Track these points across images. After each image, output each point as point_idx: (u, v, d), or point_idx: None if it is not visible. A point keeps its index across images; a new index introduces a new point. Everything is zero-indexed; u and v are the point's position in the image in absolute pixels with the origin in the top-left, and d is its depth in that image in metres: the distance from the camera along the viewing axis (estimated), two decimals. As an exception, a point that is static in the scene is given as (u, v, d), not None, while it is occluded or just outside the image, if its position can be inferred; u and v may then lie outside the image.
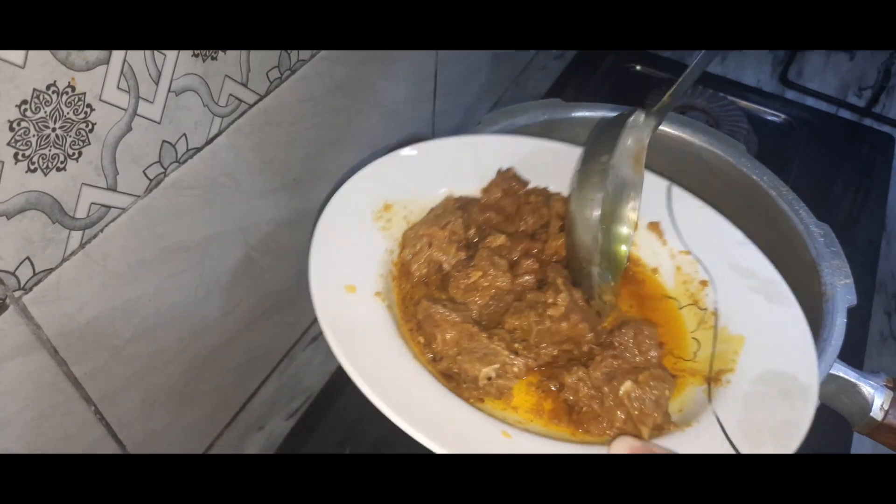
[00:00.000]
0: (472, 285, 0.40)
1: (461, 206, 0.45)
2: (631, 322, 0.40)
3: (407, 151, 0.46)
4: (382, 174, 0.45)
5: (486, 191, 0.46)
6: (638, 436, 0.35)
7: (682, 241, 0.47)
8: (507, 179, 0.46)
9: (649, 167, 0.48)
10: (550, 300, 0.38)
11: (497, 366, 0.36)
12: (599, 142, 0.45)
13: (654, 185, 0.48)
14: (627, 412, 0.36)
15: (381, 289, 0.40)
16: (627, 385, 0.36)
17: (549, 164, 0.48)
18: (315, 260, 0.39)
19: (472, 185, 0.47)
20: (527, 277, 0.41)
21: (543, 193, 0.47)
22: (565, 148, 0.49)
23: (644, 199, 0.46)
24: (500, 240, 0.42)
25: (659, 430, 0.36)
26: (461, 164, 0.47)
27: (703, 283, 0.45)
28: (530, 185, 0.48)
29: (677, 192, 0.48)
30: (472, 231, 0.44)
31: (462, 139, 0.49)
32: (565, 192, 0.48)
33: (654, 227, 0.47)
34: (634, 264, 0.47)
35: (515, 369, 0.36)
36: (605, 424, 0.36)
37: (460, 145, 0.48)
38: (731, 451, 0.34)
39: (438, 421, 0.33)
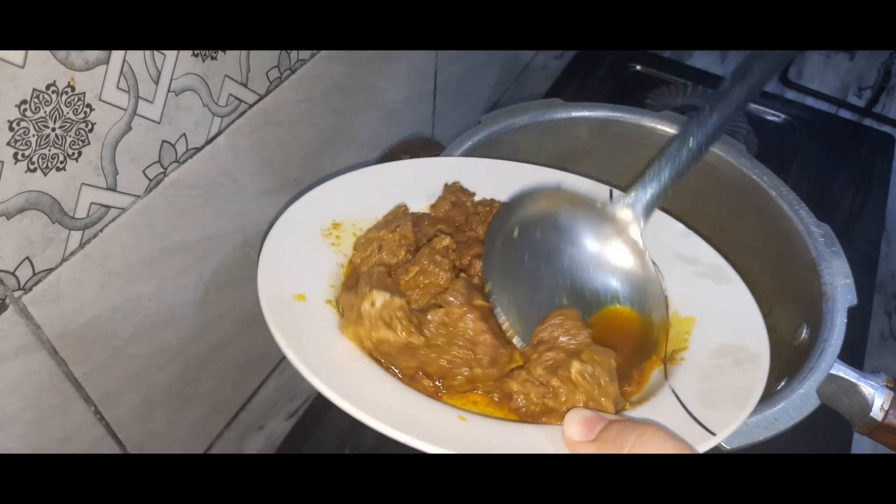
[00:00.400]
0: (411, 282, 0.39)
1: (412, 217, 0.45)
2: (553, 314, 0.40)
3: (355, 173, 0.46)
4: (329, 196, 0.45)
5: (434, 206, 0.46)
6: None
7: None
8: (455, 192, 0.46)
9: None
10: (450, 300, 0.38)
11: (387, 296, 0.36)
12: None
13: (593, 187, 0.48)
14: (587, 391, 0.36)
15: (333, 297, 0.39)
16: (577, 366, 0.36)
17: (499, 182, 0.48)
18: (263, 273, 0.38)
19: (422, 204, 0.47)
20: (476, 279, 0.41)
21: (490, 203, 0.47)
22: (515, 167, 0.50)
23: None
24: (445, 241, 0.42)
25: (617, 402, 0.37)
26: (411, 185, 0.47)
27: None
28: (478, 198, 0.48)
29: (617, 193, 0.48)
30: (424, 242, 0.44)
31: (412, 162, 0.49)
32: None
33: None
34: None
35: (399, 313, 0.36)
36: (565, 411, 0.36)
37: (410, 168, 0.49)
38: (689, 419, 0.35)
39: (395, 408, 0.34)
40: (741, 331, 0.41)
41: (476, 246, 0.43)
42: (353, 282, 0.40)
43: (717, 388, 0.37)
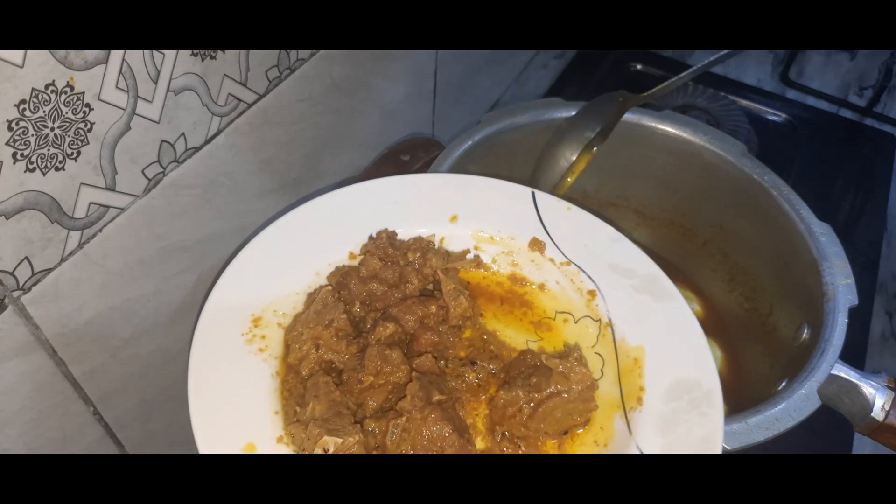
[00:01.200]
0: (366, 388, 0.38)
1: (339, 287, 0.42)
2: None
3: (253, 246, 0.42)
4: (238, 284, 0.40)
5: (362, 262, 0.43)
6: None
7: (560, 250, 0.45)
8: (381, 246, 0.43)
9: (505, 176, 0.47)
10: (405, 412, 0.36)
11: (339, 441, 0.34)
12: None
13: (517, 194, 0.47)
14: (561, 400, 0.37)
15: (282, 430, 0.36)
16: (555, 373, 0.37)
17: (405, 204, 0.46)
18: (200, 427, 0.35)
19: (336, 252, 0.43)
20: (424, 357, 0.39)
21: (420, 246, 0.44)
22: (412, 182, 0.47)
23: (511, 212, 0.45)
24: (390, 329, 0.39)
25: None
26: (316, 237, 0.43)
27: (591, 293, 0.44)
28: (402, 233, 0.45)
29: (542, 197, 0.46)
30: (357, 307, 0.42)
31: (304, 209, 0.44)
32: (433, 228, 0.45)
33: (535, 243, 0.45)
34: (519, 284, 0.45)
35: (354, 449, 0.34)
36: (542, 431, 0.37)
37: (305, 216, 0.44)
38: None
39: None
40: (690, 360, 0.39)
41: (417, 308, 0.41)
42: (300, 392, 0.37)
43: (680, 441, 0.37)
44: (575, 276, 0.44)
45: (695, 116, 0.72)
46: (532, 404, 0.37)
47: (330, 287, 0.42)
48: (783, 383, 0.45)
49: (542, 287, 0.45)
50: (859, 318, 0.67)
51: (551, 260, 0.45)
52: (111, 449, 0.45)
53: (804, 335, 0.49)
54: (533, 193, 0.46)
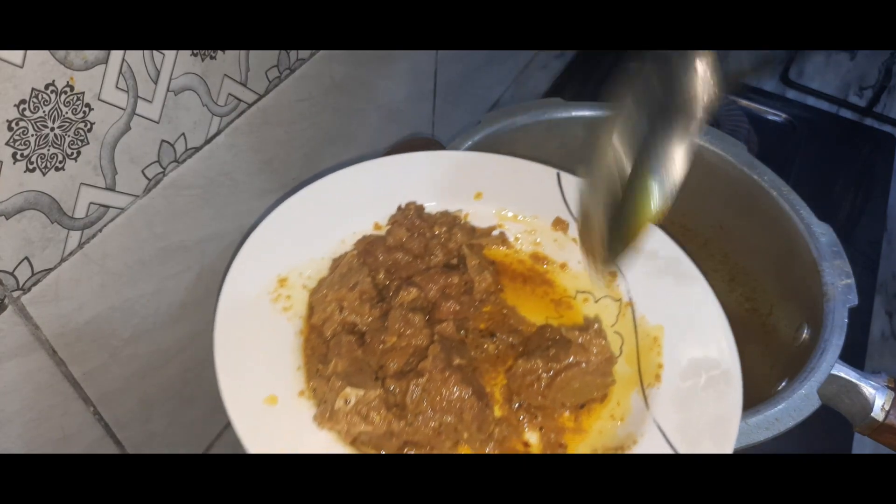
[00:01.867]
0: (388, 350, 0.38)
1: (365, 254, 0.43)
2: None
3: (281, 212, 0.43)
4: (266, 246, 0.41)
5: (389, 232, 0.44)
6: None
7: None
8: (409, 217, 0.44)
9: (540, 158, 0.47)
10: (427, 371, 0.37)
11: (360, 393, 0.34)
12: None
13: (543, 175, 0.47)
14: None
15: (303, 385, 0.37)
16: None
17: (434, 179, 0.46)
18: (225, 377, 0.35)
19: (362, 221, 0.44)
20: (445, 324, 0.40)
21: (446, 220, 0.45)
22: (442, 158, 0.48)
23: (536, 191, 0.45)
24: (413, 293, 0.40)
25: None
26: (343, 206, 0.44)
27: (613, 273, 0.44)
28: (427, 208, 0.45)
29: (567, 178, 0.47)
30: (382, 274, 0.42)
31: (332, 178, 0.45)
32: (460, 204, 0.46)
33: (558, 222, 0.46)
34: (541, 262, 0.46)
35: (375, 403, 0.35)
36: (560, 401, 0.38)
37: (334, 185, 0.45)
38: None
39: None
40: (710, 340, 0.40)
41: (439, 277, 0.42)
42: (323, 351, 0.38)
43: (696, 417, 0.37)
44: None
45: (695, 116, 0.72)
46: (550, 374, 0.38)
47: (356, 252, 0.42)
48: (783, 383, 0.46)
49: (563, 266, 0.46)
50: (859, 318, 0.67)
51: (574, 240, 0.46)
52: (111, 449, 0.45)
53: (804, 335, 0.49)
54: (558, 174, 0.47)
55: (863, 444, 0.58)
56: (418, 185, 0.46)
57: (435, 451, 0.36)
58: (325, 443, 0.35)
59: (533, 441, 0.38)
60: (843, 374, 0.44)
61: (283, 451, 0.34)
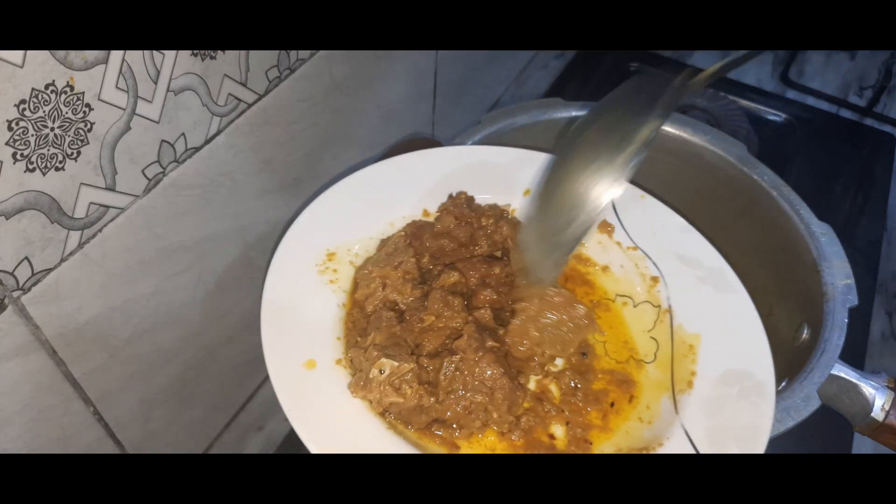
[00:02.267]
0: (426, 328, 0.39)
1: (412, 238, 0.44)
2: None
3: (336, 189, 0.45)
4: (318, 220, 0.43)
5: (438, 219, 0.45)
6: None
7: (628, 235, 0.46)
8: (459, 206, 0.45)
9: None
10: (467, 351, 0.37)
11: (395, 364, 0.36)
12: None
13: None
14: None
15: (341, 354, 0.38)
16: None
17: (486, 172, 0.47)
18: (268, 338, 0.37)
19: (412, 207, 0.46)
20: (482, 311, 0.40)
21: (494, 213, 0.46)
22: (495, 153, 0.49)
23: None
24: (454, 277, 0.41)
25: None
26: (396, 190, 0.46)
27: (654, 279, 0.44)
28: (477, 200, 0.46)
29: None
30: (426, 259, 0.43)
31: (389, 163, 0.47)
32: (509, 199, 0.47)
33: (604, 225, 0.47)
34: (584, 264, 0.46)
35: (408, 376, 0.36)
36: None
37: (389, 169, 0.47)
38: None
39: None
40: (746, 353, 0.40)
41: (481, 266, 0.43)
42: (363, 325, 0.39)
43: (725, 426, 0.37)
44: (640, 262, 0.45)
45: (695, 116, 0.72)
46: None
47: (403, 233, 0.44)
48: (783, 383, 0.45)
49: (605, 269, 0.46)
50: (859, 319, 0.67)
51: (618, 243, 0.46)
52: (111, 449, 0.45)
53: (804, 335, 0.49)
54: None
55: (863, 444, 0.58)
56: (470, 177, 0.47)
57: (463, 432, 0.37)
58: (357, 411, 0.36)
59: (559, 434, 0.38)
60: (842, 374, 0.44)
61: (316, 415, 0.35)
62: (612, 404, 0.40)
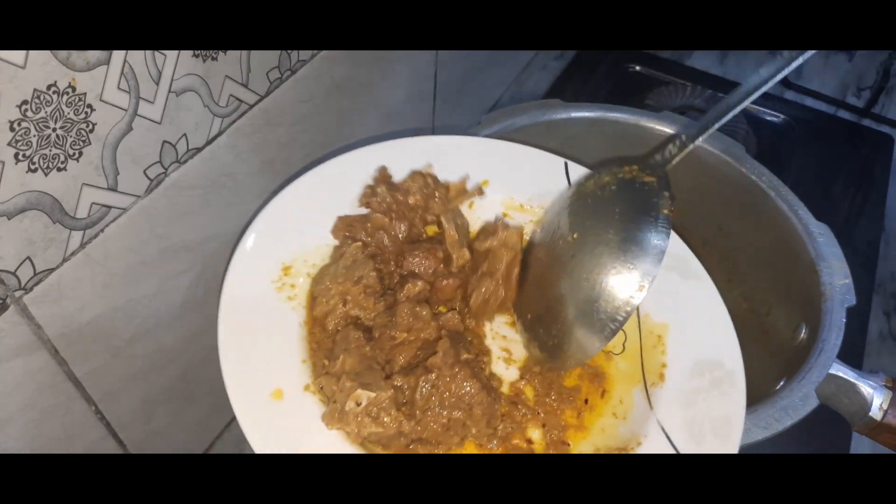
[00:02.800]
0: (397, 345, 0.38)
1: (348, 238, 0.42)
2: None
3: (286, 195, 0.42)
4: (270, 231, 0.41)
5: (370, 218, 0.43)
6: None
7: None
8: (383, 200, 0.43)
9: (546, 147, 0.47)
10: (436, 368, 0.36)
11: (372, 395, 0.34)
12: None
13: (550, 163, 0.46)
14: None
15: (309, 379, 0.36)
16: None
17: (439, 161, 0.46)
18: (229, 371, 0.35)
19: (355, 204, 0.44)
20: (449, 315, 0.40)
21: (420, 189, 0.44)
22: (444, 140, 0.47)
23: (543, 181, 0.44)
24: (418, 286, 0.40)
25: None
26: (347, 189, 0.44)
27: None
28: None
29: (574, 168, 0.46)
30: (380, 264, 0.42)
31: (337, 161, 0.45)
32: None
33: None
34: None
35: (385, 403, 0.35)
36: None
37: (338, 168, 0.45)
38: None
39: None
40: (714, 341, 0.40)
41: (430, 260, 0.41)
42: (328, 345, 0.38)
43: (700, 417, 0.37)
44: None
45: (693, 117, 0.72)
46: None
47: (359, 243, 0.42)
48: (781, 383, 0.46)
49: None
50: (857, 318, 0.67)
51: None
52: (113, 449, 0.45)
53: (802, 335, 0.49)
54: (566, 164, 0.47)
55: (861, 444, 0.58)
56: (423, 168, 0.45)
57: (442, 448, 0.36)
58: (333, 441, 0.35)
59: (536, 437, 0.38)
60: (840, 374, 0.44)
61: (290, 450, 0.34)
62: (586, 401, 0.39)
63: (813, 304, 0.48)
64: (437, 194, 0.44)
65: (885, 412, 0.44)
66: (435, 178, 0.45)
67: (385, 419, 0.35)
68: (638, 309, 0.41)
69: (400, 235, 0.43)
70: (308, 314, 0.39)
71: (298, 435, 0.35)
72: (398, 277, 0.42)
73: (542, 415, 0.39)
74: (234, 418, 0.57)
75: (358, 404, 0.34)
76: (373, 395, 0.34)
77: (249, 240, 0.40)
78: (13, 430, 0.38)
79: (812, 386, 0.43)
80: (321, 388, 0.36)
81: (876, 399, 0.44)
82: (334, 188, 0.44)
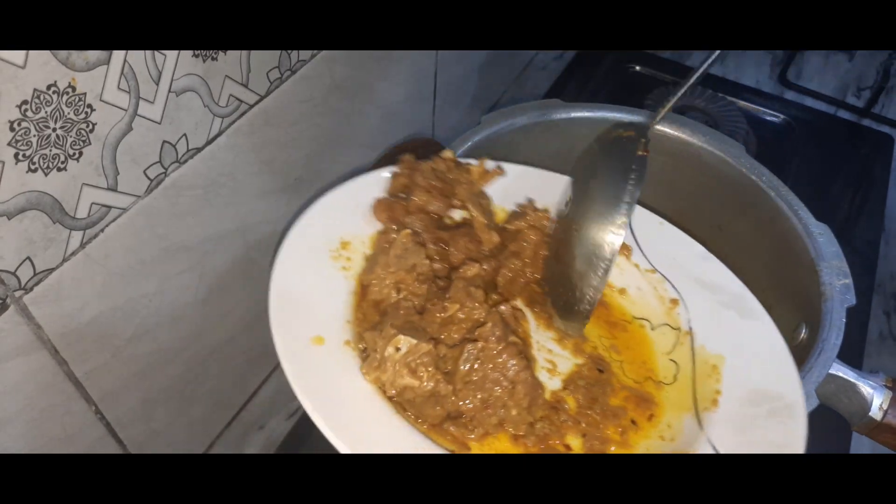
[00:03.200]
0: (448, 319, 0.38)
1: (391, 222, 0.42)
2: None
3: (357, 182, 0.44)
4: (334, 209, 0.42)
5: (407, 194, 0.43)
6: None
7: (647, 258, 0.46)
8: (425, 175, 0.43)
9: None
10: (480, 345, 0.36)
11: (413, 342, 0.34)
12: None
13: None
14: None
15: (350, 335, 0.37)
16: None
17: (491, 191, 0.47)
18: (276, 312, 0.36)
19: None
20: (505, 307, 0.39)
21: (442, 173, 0.44)
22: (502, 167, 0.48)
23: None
24: (474, 269, 0.40)
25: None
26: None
27: (674, 301, 0.44)
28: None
29: (637, 208, 0.46)
30: (431, 246, 0.42)
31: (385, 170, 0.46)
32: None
33: (622, 247, 0.46)
34: None
35: (426, 359, 0.34)
36: None
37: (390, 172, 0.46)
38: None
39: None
40: (773, 375, 0.39)
41: (473, 243, 0.42)
42: (374, 319, 0.38)
43: (755, 443, 0.36)
44: (658, 284, 0.45)
45: (693, 117, 0.72)
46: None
47: (408, 231, 0.42)
48: (781, 383, 0.46)
49: (622, 291, 0.45)
50: (857, 318, 0.67)
51: (636, 265, 0.46)
52: (112, 448, 0.45)
53: (802, 335, 0.49)
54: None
55: (861, 444, 0.58)
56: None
57: (477, 430, 0.35)
58: (367, 395, 0.35)
59: (575, 445, 0.37)
60: (840, 374, 0.44)
61: (325, 389, 0.34)
62: (633, 421, 0.38)
63: (813, 304, 0.48)
64: (461, 179, 0.44)
65: (885, 412, 0.44)
66: (457, 162, 0.45)
67: (422, 373, 0.34)
68: (693, 341, 0.42)
69: (439, 216, 0.43)
70: (358, 286, 0.40)
71: (335, 379, 0.35)
72: (447, 264, 0.42)
73: (583, 424, 0.38)
74: (234, 418, 0.58)
75: (398, 349, 0.34)
76: (413, 342, 0.34)
77: (310, 215, 0.42)
78: (13, 429, 0.38)
79: (812, 386, 0.43)
80: (363, 339, 0.36)
81: (876, 399, 0.44)
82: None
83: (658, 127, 0.58)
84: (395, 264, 0.40)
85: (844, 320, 0.46)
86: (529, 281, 0.43)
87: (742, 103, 0.87)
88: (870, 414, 0.44)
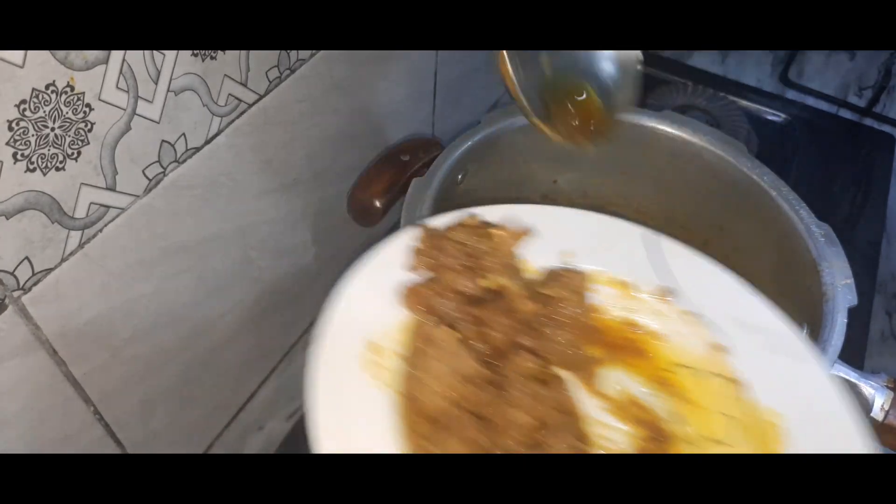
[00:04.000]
0: (511, 423, 0.34)
1: (429, 311, 0.38)
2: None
3: (372, 263, 0.38)
4: (357, 303, 0.36)
5: (436, 279, 0.38)
6: None
7: (686, 299, 0.41)
8: (446, 254, 0.39)
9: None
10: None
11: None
12: None
13: (646, 239, 0.43)
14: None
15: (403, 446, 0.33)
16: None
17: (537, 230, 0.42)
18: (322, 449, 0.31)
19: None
20: (564, 393, 0.36)
21: (472, 244, 0.40)
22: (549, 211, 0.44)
23: (638, 256, 0.42)
24: (529, 362, 0.36)
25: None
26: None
27: (717, 347, 0.40)
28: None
29: (668, 245, 0.43)
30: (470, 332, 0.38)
31: (403, 234, 0.40)
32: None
33: (660, 290, 0.42)
34: (632, 328, 0.41)
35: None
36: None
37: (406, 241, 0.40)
38: None
39: None
40: (838, 434, 0.35)
41: (513, 320, 0.38)
42: (424, 426, 0.34)
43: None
44: (698, 328, 0.41)
45: (694, 117, 0.72)
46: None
47: (447, 328, 0.37)
48: (782, 383, 0.45)
49: (657, 336, 0.41)
50: (858, 318, 0.67)
51: (672, 307, 0.41)
52: (111, 449, 0.45)
53: (803, 335, 0.49)
54: (659, 240, 0.43)
55: (862, 444, 0.58)
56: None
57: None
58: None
59: None
60: (842, 374, 0.44)
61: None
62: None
63: (814, 305, 0.48)
64: (487, 247, 0.40)
65: (887, 413, 0.44)
66: (481, 226, 0.41)
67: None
68: (743, 392, 0.38)
69: (468, 292, 0.39)
70: (399, 398, 0.35)
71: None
72: (488, 346, 0.37)
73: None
74: (233, 419, 0.57)
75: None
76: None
77: (330, 317, 0.36)
78: (11, 430, 0.37)
79: (813, 386, 0.42)
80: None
81: (877, 400, 0.44)
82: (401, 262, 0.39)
83: (659, 126, 0.58)
84: (447, 374, 0.36)
85: (846, 320, 0.46)
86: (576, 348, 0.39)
87: (743, 103, 0.87)
88: (871, 415, 0.44)
